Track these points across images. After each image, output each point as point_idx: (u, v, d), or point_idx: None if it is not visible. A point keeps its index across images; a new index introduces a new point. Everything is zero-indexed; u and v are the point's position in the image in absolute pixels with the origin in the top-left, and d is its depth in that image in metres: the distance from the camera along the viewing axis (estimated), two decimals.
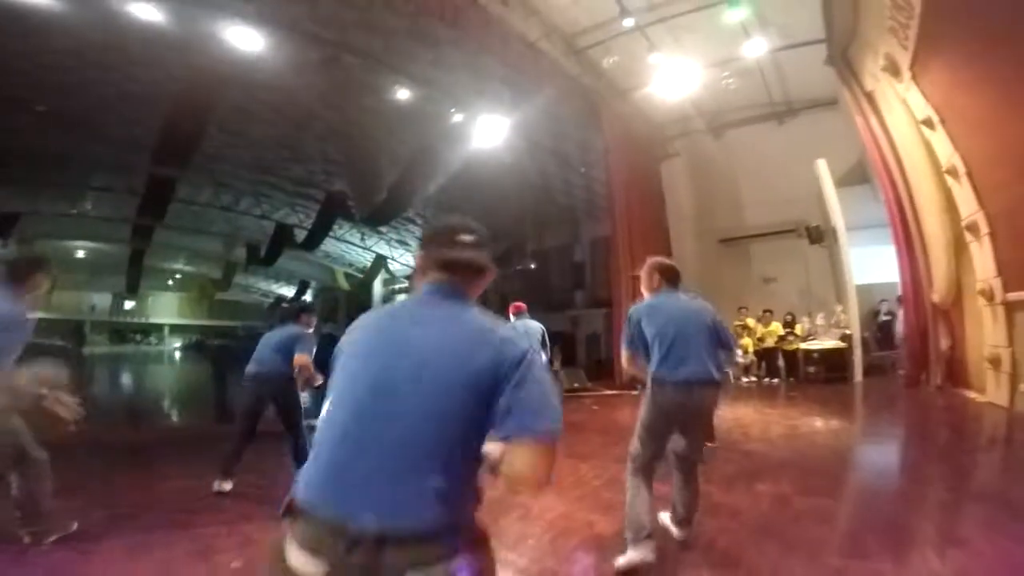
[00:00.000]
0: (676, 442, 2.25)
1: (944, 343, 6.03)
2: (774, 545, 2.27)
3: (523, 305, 5.02)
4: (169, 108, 8.69)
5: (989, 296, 4.81)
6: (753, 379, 8.26)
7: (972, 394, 5.32)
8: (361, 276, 23.23)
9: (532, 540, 2.42)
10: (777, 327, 8.58)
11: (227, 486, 3.13)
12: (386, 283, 24.06)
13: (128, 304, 30.60)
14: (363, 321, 1.02)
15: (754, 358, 8.36)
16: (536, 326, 4.72)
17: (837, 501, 2.94)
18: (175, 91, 8.37)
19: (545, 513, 2.71)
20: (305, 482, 0.84)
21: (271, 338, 3.36)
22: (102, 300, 30.06)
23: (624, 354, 2.37)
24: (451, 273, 0.99)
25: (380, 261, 20.86)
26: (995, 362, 4.69)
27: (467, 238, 1.02)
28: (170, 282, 31.02)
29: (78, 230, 19.40)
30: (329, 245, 19.86)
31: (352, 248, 21.21)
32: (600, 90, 8.76)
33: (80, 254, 23.27)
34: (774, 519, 2.60)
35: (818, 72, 7.90)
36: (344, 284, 24.30)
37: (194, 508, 2.91)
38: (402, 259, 21.59)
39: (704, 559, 2.16)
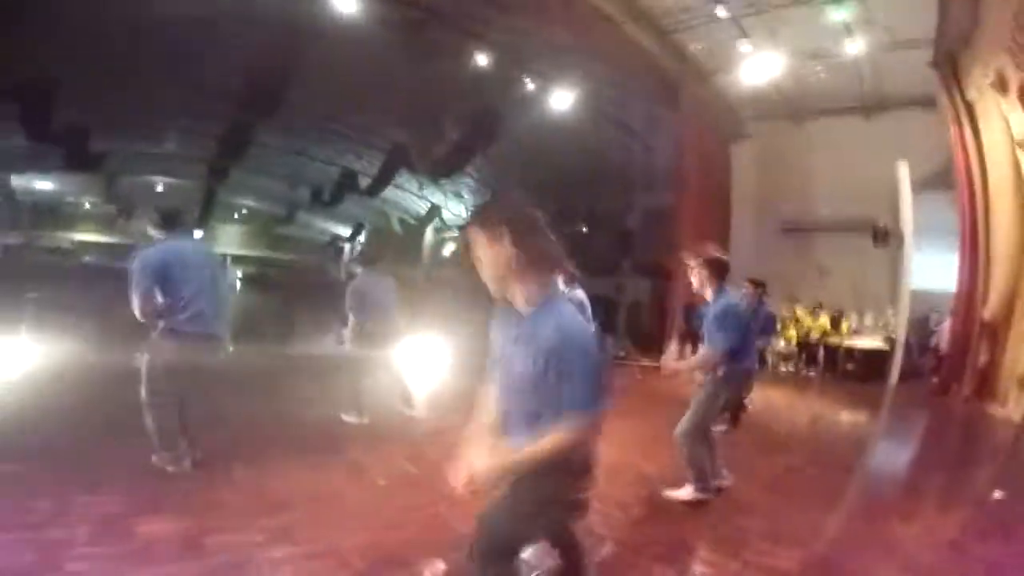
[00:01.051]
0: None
1: (983, 358, 6.40)
2: (781, 499, 3.06)
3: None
4: (259, 60, 9.45)
5: None
6: (791, 369, 8.80)
7: (995, 408, 5.79)
8: (415, 222, 24.37)
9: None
10: (825, 322, 8.97)
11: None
12: (437, 231, 25.13)
13: (197, 234, 33.32)
14: None
15: (796, 348, 8.85)
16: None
17: (837, 475, 3.66)
18: (267, 43, 9.09)
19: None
20: None
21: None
22: None
23: (723, 348, 2.73)
24: None
25: (434, 210, 21.78)
26: (1022, 382, 5.14)
27: None
28: (236, 215, 33.37)
29: (157, 167, 21.20)
30: (388, 192, 20.90)
31: (408, 195, 22.20)
32: (681, 71, 8.89)
33: (159, 188, 25.51)
34: (783, 482, 3.38)
35: (915, 72, 7.77)
36: (398, 229, 25.53)
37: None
38: (455, 209, 22.53)
39: (728, 505, 2.93)
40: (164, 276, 2.56)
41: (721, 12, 6.87)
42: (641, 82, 8.93)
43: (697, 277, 2.88)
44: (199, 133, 15.78)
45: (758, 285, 4.83)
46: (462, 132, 13.04)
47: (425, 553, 2.12)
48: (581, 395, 1.18)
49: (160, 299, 2.57)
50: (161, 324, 2.61)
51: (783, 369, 8.77)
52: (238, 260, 35.76)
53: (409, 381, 4.28)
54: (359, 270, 4.18)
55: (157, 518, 2.17)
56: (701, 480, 2.82)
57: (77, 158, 15.07)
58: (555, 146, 12.66)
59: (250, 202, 30.07)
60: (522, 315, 1.29)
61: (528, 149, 13.77)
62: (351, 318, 3.90)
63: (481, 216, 1.36)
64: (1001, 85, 5.78)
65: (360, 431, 3.74)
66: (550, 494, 1.28)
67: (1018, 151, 5.83)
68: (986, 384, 6.33)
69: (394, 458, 3.23)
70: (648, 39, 8.11)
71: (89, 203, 29.15)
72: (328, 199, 20.14)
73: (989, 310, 6.43)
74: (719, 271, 2.85)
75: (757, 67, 8.08)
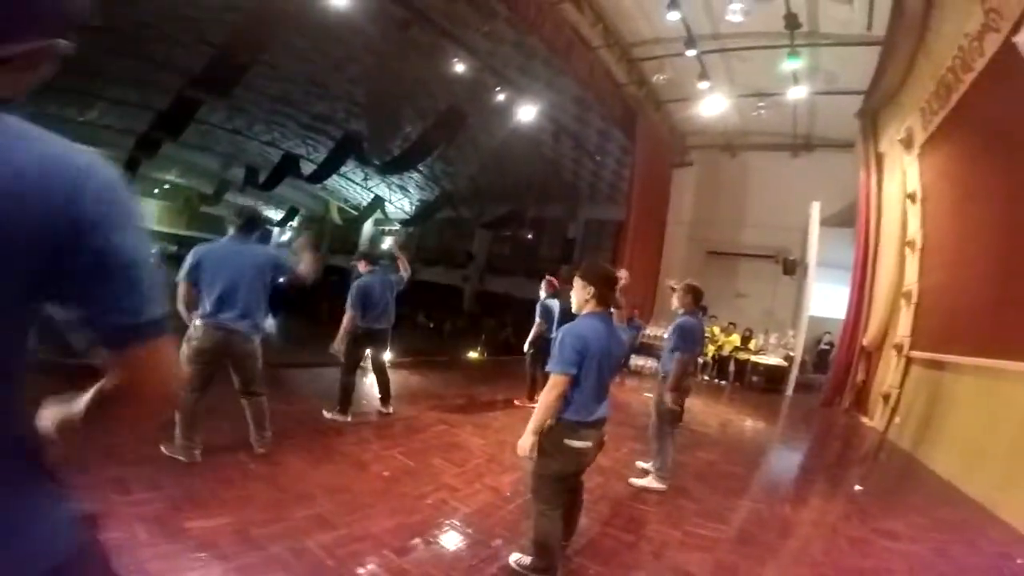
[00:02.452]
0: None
1: (860, 377, 7.80)
2: (705, 487, 3.77)
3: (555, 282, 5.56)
4: (223, 38, 9.07)
5: (899, 349, 6.47)
6: (706, 378, 9.98)
7: (865, 419, 7.12)
8: (355, 213, 23.82)
9: None
10: (736, 339, 10.27)
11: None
12: (378, 223, 24.71)
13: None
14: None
15: (711, 361, 10.05)
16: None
17: (745, 469, 4.49)
18: (229, 20, 8.76)
19: None
20: (581, 407, 2.09)
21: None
22: None
23: (684, 363, 3.46)
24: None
25: (377, 202, 21.47)
26: (886, 398, 6.40)
27: None
28: (156, 191, 30.86)
29: (79, 135, 19.34)
30: (330, 179, 20.40)
31: (351, 185, 21.68)
32: (640, 96, 9.74)
33: None
34: (707, 473, 4.12)
35: (844, 118, 8.81)
36: (336, 218, 24.79)
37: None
38: (399, 203, 22.37)
39: (669, 491, 3.59)
40: (199, 270, 2.79)
41: (690, 52, 7.68)
42: (603, 102, 9.62)
43: (680, 298, 3.61)
44: (136, 104, 14.56)
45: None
46: (422, 129, 13.11)
47: (443, 531, 2.52)
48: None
49: (195, 291, 2.81)
50: (194, 314, 2.82)
51: (699, 379, 9.91)
52: (154, 236, 32.93)
53: (388, 379, 4.52)
54: (363, 268, 4.28)
55: (199, 514, 2.28)
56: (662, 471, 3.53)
57: None
58: (513, 155, 13.17)
59: (175, 178, 27.92)
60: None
61: (485, 153, 14.14)
62: (349, 314, 4.06)
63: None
64: (908, 142, 6.97)
65: (347, 427, 3.97)
66: (555, 441, 2.07)
67: (907, 202, 7.16)
68: (860, 399, 7.72)
69: (389, 452, 3.54)
70: (616, 63, 8.84)
71: None
72: (264, 182, 19.24)
73: (868, 338, 7.83)
74: (697, 296, 3.60)
75: (710, 104, 9.09)
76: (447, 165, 17.06)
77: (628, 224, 10.65)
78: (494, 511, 2.83)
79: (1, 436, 0.61)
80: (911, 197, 6.77)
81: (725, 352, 10.21)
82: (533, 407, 2.48)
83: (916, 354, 6.02)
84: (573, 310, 2.23)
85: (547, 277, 5.65)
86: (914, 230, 6.67)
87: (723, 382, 9.97)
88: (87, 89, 14.34)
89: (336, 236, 26.58)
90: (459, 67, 8.82)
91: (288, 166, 17.96)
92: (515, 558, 2.25)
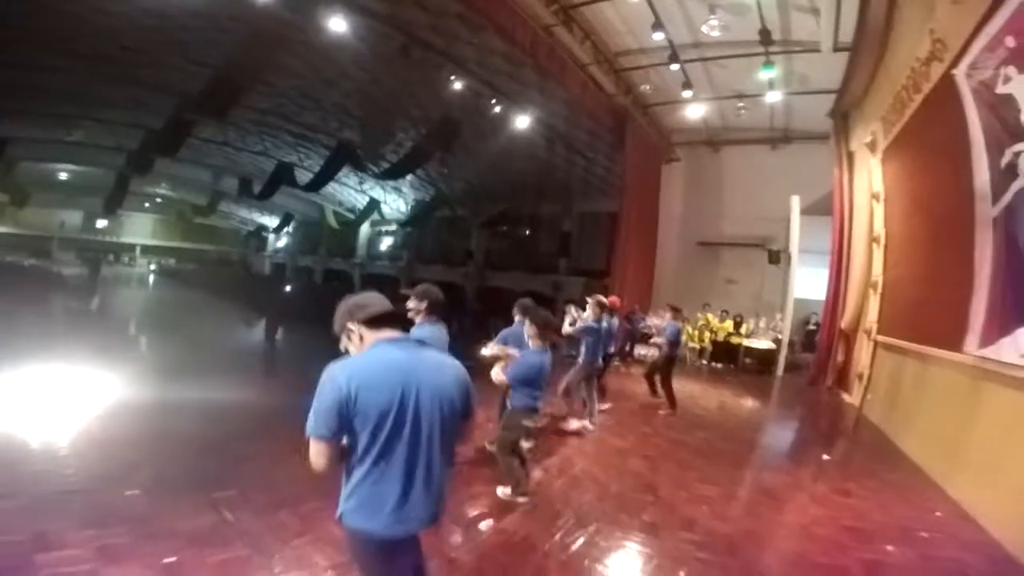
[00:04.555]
0: None
1: (840, 358, 8.87)
2: (704, 460, 4.76)
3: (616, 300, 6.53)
4: (216, 59, 9.74)
5: (868, 333, 7.52)
6: (704, 363, 11.03)
7: (845, 396, 8.20)
8: (352, 216, 24.53)
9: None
10: (729, 325, 11.30)
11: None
12: (374, 224, 25.44)
13: (100, 223, 30.52)
14: None
15: (709, 347, 11.09)
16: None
17: (737, 444, 5.50)
18: (221, 41, 9.41)
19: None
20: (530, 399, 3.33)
21: None
22: (71, 218, 30.06)
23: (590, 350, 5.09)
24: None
25: (373, 205, 22.20)
26: (860, 377, 7.47)
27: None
28: (147, 204, 31.27)
29: (65, 154, 19.87)
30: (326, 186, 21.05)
31: (346, 189, 22.36)
32: (627, 103, 10.61)
33: (62, 176, 23.55)
34: (706, 450, 5.12)
35: (819, 114, 9.68)
36: (333, 222, 25.54)
37: None
38: (394, 204, 23.08)
39: (668, 464, 4.58)
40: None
41: (674, 66, 8.57)
42: (593, 111, 10.46)
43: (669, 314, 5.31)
44: (129, 124, 15.16)
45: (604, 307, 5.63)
46: (417, 138, 13.86)
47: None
48: None
49: None
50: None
51: (698, 364, 10.96)
52: (148, 250, 33.36)
53: None
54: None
55: (299, 507, 3.05)
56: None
57: None
58: (507, 157, 13.98)
59: (166, 191, 28.43)
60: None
61: (480, 158, 14.90)
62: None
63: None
64: (872, 146, 7.96)
65: None
66: (516, 420, 3.47)
67: (873, 201, 8.16)
68: (841, 378, 8.80)
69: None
70: (605, 76, 9.69)
71: None
72: (259, 191, 19.95)
73: (845, 321, 8.88)
74: (677, 313, 5.39)
75: (693, 109, 10.01)
76: (442, 167, 17.82)
77: (621, 221, 11.56)
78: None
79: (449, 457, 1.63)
80: (876, 196, 7.77)
81: (720, 338, 11.24)
82: None
83: (881, 338, 7.05)
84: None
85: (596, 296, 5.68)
86: (879, 227, 7.67)
87: (719, 365, 11.00)
88: (75, 112, 14.89)
89: (333, 240, 27.28)
90: (452, 79, 9.53)
91: (283, 175, 18.68)
92: (501, 491, 3.46)
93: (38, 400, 4.43)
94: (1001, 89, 4.10)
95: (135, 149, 16.93)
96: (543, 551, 2.87)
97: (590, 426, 5.26)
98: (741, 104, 10.55)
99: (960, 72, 4.93)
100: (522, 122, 10.92)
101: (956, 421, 4.52)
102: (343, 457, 1.57)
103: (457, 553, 2.77)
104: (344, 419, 1.49)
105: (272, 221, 30.50)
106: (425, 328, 2.98)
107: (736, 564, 2.89)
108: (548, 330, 3.66)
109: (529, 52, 7.89)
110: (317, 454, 1.50)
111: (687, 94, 9.43)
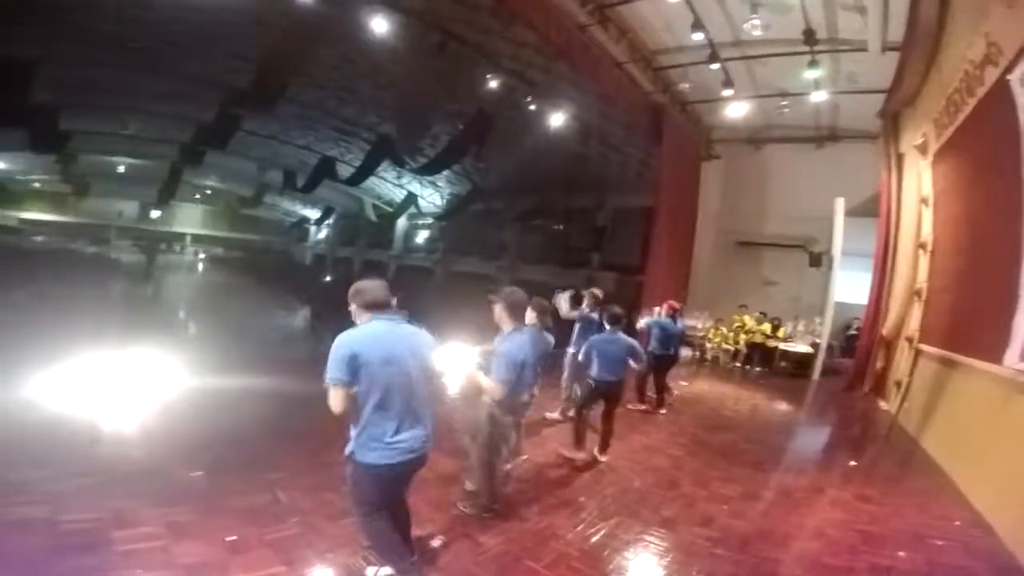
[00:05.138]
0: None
1: (879, 364, 8.67)
2: (728, 461, 4.86)
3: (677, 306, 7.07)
4: (263, 57, 10.20)
5: (910, 341, 7.34)
6: (738, 365, 10.93)
7: (882, 403, 8.03)
8: (390, 210, 25.25)
9: None
10: (766, 327, 11.13)
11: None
12: (411, 217, 26.12)
13: (155, 213, 32.45)
14: None
15: (744, 349, 10.98)
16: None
17: (762, 446, 5.54)
18: (263, 36, 9.84)
19: None
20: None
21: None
22: (128, 208, 32.06)
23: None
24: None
25: (411, 198, 22.77)
26: (899, 384, 7.30)
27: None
28: (197, 195, 33.08)
29: (122, 147, 21.09)
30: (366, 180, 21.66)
31: (385, 183, 23.04)
32: (664, 101, 10.55)
33: (120, 168, 25.14)
34: (730, 451, 5.21)
35: (867, 113, 9.44)
36: (371, 215, 26.33)
37: None
38: (430, 198, 23.64)
39: (692, 463, 4.71)
40: None
41: (714, 66, 8.52)
42: (629, 109, 10.45)
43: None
44: (179, 117, 16.08)
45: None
46: (455, 134, 14.14)
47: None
48: None
49: None
50: None
51: (731, 365, 10.88)
52: (198, 239, 35.41)
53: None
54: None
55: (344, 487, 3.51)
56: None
57: (43, 138, 15.03)
58: (541, 151, 14.09)
59: (215, 183, 30.01)
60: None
61: (515, 152, 15.07)
62: None
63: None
64: (923, 148, 7.69)
65: None
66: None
67: (921, 205, 7.91)
68: (879, 385, 8.61)
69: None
70: (641, 74, 9.68)
71: (39, 181, 28.20)
72: (302, 184, 20.83)
73: (886, 328, 8.66)
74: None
75: (734, 108, 9.88)
76: (478, 162, 18.10)
77: (657, 220, 11.51)
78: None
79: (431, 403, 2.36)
80: (925, 201, 7.53)
81: (757, 340, 11.09)
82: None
83: (923, 347, 6.88)
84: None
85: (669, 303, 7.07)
86: (926, 232, 7.44)
87: (754, 368, 10.86)
88: (126, 105, 15.85)
89: (372, 232, 28.18)
90: (487, 75, 9.70)
91: (325, 169, 19.42)
92: (467, 486, 3.30)
93: (104, 384, 4.75)
94: None
95: (187, 142, 17.90)
96: (565, 539, 3.09)
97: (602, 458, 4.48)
98: (784, 103, 10.31)
99: (1015, 78, 4.78)
100: (556, 117, 11.03)
101: (987, 432, 4.47)
102: (353, 403, 2.17)
103: (484, 537, 3.02)
104: (352, 370, 2.11)
105: (314, 213, 31.67)
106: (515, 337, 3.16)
107: (748, 560, 3.03)
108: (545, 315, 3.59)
109: (563, 50, 7.99)
110: (335, 399, 2.11)
111: (728, 92, 9.32)
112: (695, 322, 11.59)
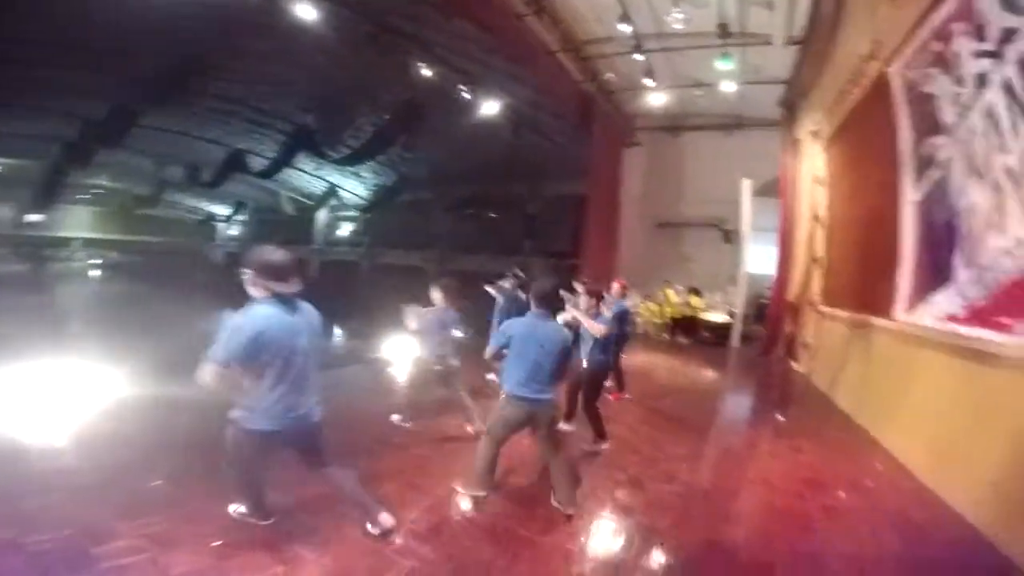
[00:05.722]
0: None
1: (788, 328, 9.75)
2: (675, 425, 5.31)
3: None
4: (168, 49, 9.32)
5: (813, 305, 8.34)
6: (667, 336, 11.76)
7: (794, 364, 9.06)
8: (309, 203, 24.00)
9: None
10: (698, 301, 12.03)
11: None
12: (332, 210, 24.99)
13: (34, 217, 27.99)
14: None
15: (670, 321, 11.82)
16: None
17: (700, 410, 6.09)
18: (176, 31, 9.03)
19: None
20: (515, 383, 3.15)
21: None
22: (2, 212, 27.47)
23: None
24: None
25: (331, 190, 21.80)
26: (806, 346, 8.31)
27: None
28: (85, 196, 29.18)
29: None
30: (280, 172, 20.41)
31: (302, 175, 21.86)
32: (592, 90, 10.97)
33: None
34: (676, 416, 5.68)
35: (769, 101, 10.50)
36: (288, 209, 24.86)
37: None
38: (354, 189, 22.73)
39: (651, 428, 5.11)
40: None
41: (638, 56, 8.99)
42: (561, 98, 10.77)
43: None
44: (65, 112, 14.17)
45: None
46: (379, 122, 13.74)
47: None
48: None
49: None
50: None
51: (661, 337, 11.68)
52: (89, 244, 31.18)
53: None
54: None
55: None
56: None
57: None
58: (472, 140, 14.08)
59: (107, 182, 26.63)
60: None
61: (445, 141, 14.91)
62: None
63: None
64: (817, 134, 8.73)
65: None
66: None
67: (817, 185, 8.94)
68: (791, 347, 9.68)
69: (420, 438, 4.46)
70: (572, 64, 9.99)
71: None
72: (209, 179, 19.26)
73: (792, 294, 9.74)
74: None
75: (655, 97, 10.50)
76: (406, 151, 17.71)
77: (588, 205, 12.02)
78: None
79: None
80: (819, 181, 8.53)
81: (687, 313, 11.96)
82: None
83: (825, 310, 7.87)
84: None
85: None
86: (822, 209, 8.45)
87: (681, 339, 11.74)
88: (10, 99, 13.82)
89: (289, 228, 26.65)
90: (418, 64, 9.53)
91: (235, 162, 18.08)
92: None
93: (25, 399, 4.31)
94: (926, 89, 4.72)
95: (74, 139, 15.86)
96: (550, 505, 3.25)
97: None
98: (699, 92, 11.13)
99: (893, 71, 5.57)
100: (488, 106, 11.06)
101: (887, 381, 5.24)
102: (249, 377, 2.35)
103: (473, 514, 3.14)
104: (248, 353, 2.25)
105: (223, 210, 29.36)
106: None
107: (715, 511, 3.40)
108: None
109: (500, 40, 8.07)
110: (214, 376, 2.19)
111: (649, 82, 9.89)
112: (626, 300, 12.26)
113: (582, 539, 2.93)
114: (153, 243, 31.04)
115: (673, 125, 13.42)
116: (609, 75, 10.42)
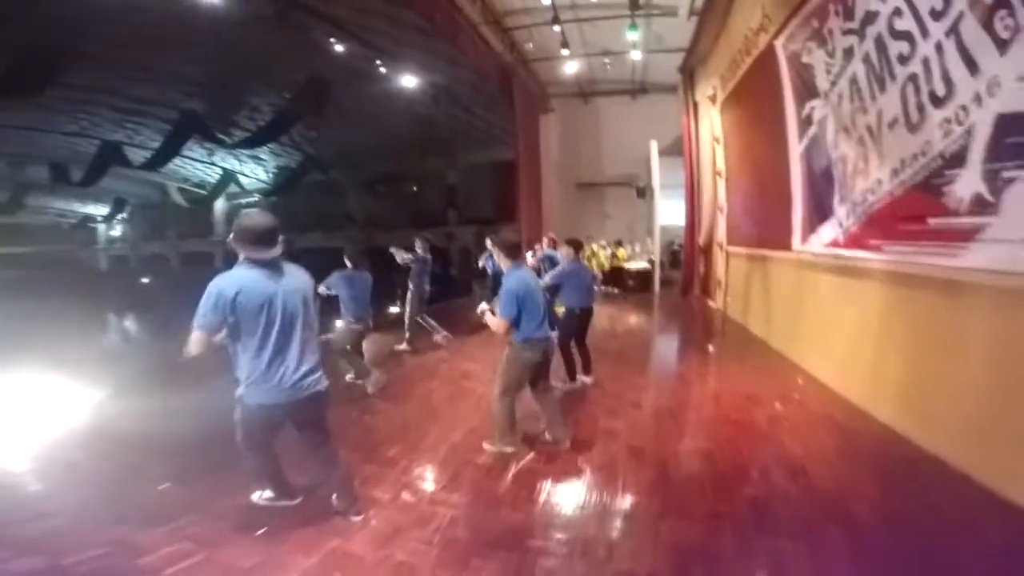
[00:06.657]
0: None
1: (701, 270, 11.01)
2: (626, 362, 6.06)
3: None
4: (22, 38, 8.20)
5: (720, 246, 9.53)
6: (600, 288, 12.68)
7: (710, 302, 10.33)
8: (203, 192, 21.99)
9: None
10: (623, 253, 13.02)
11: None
12: (232, 198, 23.16)
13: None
14: None
15: (601, 274, 12.74)
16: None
17: (644, 348, 6.96)
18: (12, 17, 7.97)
19: None
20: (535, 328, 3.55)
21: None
22: None
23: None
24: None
25: (228, 177, 20.21)
26: (719, 284, 9.53)
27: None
28: None
29: None
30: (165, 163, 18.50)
31: (191, 163, 19.95)
32: (512, 59, 11.21)
33: None
34: (624, 355, 6.44)
35: (670, 68, 11.44)
36: (180, 201, 22.58)
37: None
38: (253, 173, 21.17)
39: (601, 367, 5.74)
40: None
41: (556, 27, 9.36)
42: (481, 69, 10.86)
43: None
44: None
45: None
46: (281, 101, 12.98)
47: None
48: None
49: None
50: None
51: (597, 290, 12.57)
52: None
53: None
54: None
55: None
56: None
57: None
58: (386, 116, 13.77)
59: None
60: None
61: (355, 119, 14.39)
62: None
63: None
64: (713, 98, 9.69)
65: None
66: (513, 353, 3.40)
67: (714, 143, 10.02)
68: (706, 287, 10.96)
69: (434, 393, 4.95)
70: (492, 33, 10.12)
71: None
72: (80, 178, 17.08)
73: (701, 239, 10.97)
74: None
75: (569, 66, 10.97)
76: (311, 131, 16.84)
77: (518, 170, 12.44)
78: None
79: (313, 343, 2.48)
80: (716, 139, 9.59)
81: (608, 265, 12.93)
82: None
83: (731, 249, 9.04)
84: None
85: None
86: (720, 163, 9.54)
87: (612, 289, 12.72)
88: None
89: (184, 221, 24.40)
90: (329, 40, 9.22)
91: (109, 156, 16.20)
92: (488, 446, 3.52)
93: None
94: (805, 59, 5.60)
95: None
96: (543, 440, 3.68)
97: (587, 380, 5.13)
98: (607, 60, 11.77)
99: (779, 43, 6.43)
100: (402, 81, 10.94)
101: (792, 305, 6.29)
102: (237, 347, 2.30)
103: (483, 459, 3.47)
104: (223, 315, 2.19)
105: (100, 209, 26.04)
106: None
107: (683, 427, 4.09)
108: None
109: (425, 15, 8.03)
110: (196, 342, 2.17)
111: (565, 52, 10.33)
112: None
113: (585, 461, 3.45)
114: (18, 255, 26.76)
115: (584, 91, 14.05)
116: (528, 45, 10.71)
